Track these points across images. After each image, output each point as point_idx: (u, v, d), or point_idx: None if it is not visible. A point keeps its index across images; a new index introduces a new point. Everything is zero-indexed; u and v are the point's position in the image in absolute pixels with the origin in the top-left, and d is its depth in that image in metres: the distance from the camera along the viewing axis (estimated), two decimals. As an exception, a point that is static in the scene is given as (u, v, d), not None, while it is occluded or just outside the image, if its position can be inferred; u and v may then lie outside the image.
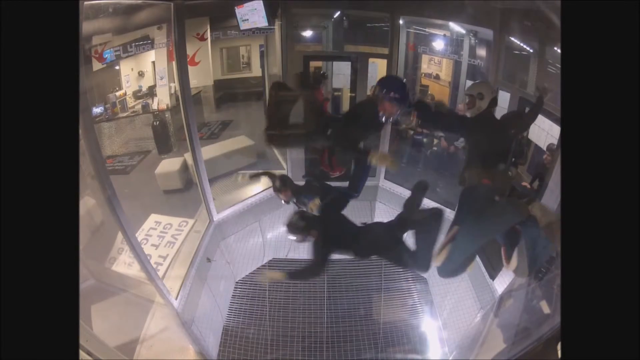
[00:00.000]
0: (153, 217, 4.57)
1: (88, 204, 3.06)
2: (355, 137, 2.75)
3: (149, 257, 3.27)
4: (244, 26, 3.87)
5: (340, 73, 6.59)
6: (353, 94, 5.18)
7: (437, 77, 5.70)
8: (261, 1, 3.56)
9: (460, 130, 3.01)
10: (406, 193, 4.17)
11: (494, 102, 2.66)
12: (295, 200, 3.04)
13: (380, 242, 2.71)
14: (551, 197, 2.77)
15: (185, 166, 5.24)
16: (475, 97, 2.64)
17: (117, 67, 5.88)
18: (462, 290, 4.11)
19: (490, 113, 2.68)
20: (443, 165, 5.18)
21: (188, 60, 4.36)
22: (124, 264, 3.54)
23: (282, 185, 3.00)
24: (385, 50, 4.88)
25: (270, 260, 5.05)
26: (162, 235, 4.35)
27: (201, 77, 6.76)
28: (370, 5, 4.81)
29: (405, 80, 2.91)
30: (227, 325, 4.32)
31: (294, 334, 4.13)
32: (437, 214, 2.65)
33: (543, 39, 3.22)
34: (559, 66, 2.87)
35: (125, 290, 3.39)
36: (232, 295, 4.67)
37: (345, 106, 6.21)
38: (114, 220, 2.77)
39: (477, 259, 3.96)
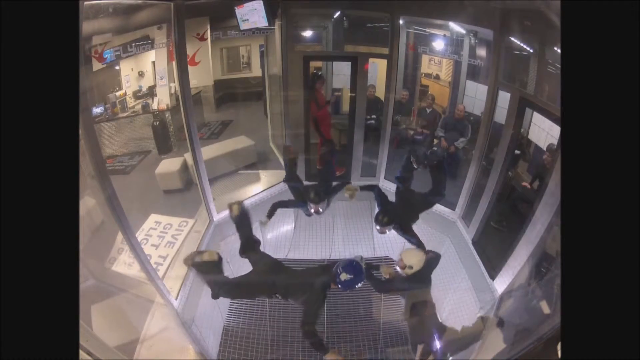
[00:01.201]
0: (153, 217, 4.57)
1: (88, 204, 3.05)
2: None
3: (149, 257, 3.28)
4: (244, 26, 3.87)
5: (340, 73, 6.61)
6: (353, 94, 5.18)
7: (437, 77, 5.70)
8: (261, 1, 3.56)
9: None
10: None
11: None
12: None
13: None
14: (551, 197, 2.78)
15: (185, 166, 5.23)
16: (406, 266, 2.97)
17: (117, 67, 5.86)
18: (462, 290, 4.10)
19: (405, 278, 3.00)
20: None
21: (188, 60, 4.35)
22: (124, 264, 3.54)
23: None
24: (385, 50, 4.89)
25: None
26: (162, 235, 4.35)
27: (201, 77, 6.75)
28: (370, 5, 4.81)
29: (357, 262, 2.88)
30: (227, 325, 4.32)
31: (294, 334, 4.12)
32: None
33: (543, 39, 3.22)
34: (559, 66, 2.87)
35: (125, 290, 3.39)
36: (232, 295, 4.66)
37: (345, 106, 6.20)
38: (114, 220, 2.78)
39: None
